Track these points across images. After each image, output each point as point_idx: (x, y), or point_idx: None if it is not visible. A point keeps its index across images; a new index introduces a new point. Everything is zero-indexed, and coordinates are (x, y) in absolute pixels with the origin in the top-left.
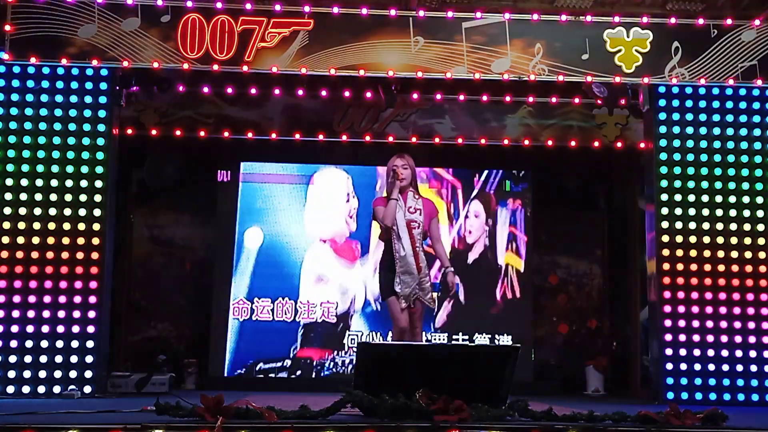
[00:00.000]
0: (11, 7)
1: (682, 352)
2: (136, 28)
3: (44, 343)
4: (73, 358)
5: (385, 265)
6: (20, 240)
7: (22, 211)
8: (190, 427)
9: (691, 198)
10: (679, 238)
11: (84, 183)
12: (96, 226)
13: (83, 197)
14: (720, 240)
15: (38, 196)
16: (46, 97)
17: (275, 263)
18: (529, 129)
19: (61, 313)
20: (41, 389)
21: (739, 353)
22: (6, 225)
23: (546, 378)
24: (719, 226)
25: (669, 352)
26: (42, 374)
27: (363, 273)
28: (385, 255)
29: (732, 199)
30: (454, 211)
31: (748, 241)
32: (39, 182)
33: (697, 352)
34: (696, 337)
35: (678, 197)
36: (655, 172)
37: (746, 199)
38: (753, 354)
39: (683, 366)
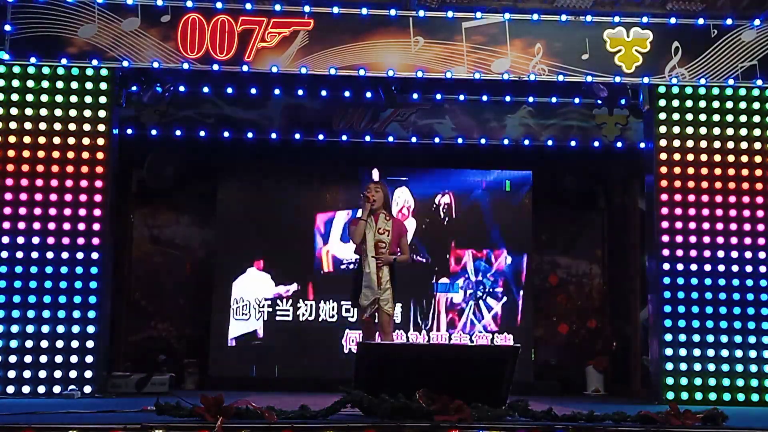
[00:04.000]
0: (11, 7)
1: (682, 352)
2: (136, 28)
3: (44, 343)
4: (73, 358)
5: (357, 278)
6: (20, 240)
7: (22, 211)
8: (190, 427)
9: (691, 198)
10: (679, 238)
11: (84, 183)
12: (96, 226)
13: (83, 197)
14: (720, 240)
15: (38, 196)
16: (46, 97)
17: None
18: (529, 129)
19: (61, 313)
20: (41, 389)
21: (739, 353)
22: (6, 225)
23: (546, 378)
24: (719, 226)
25: (669, 352)
26: (42, 374)
27: None
28: (357, 269)
29: (732, 199)
30: None
31: (748, 241)
32: (39, 182)
33: (697, 352)
34: (696, 337)
35: (678, 197)
36: (655, 172)
37: (746, 199)
38: (753, 354)
39: (683, 366)
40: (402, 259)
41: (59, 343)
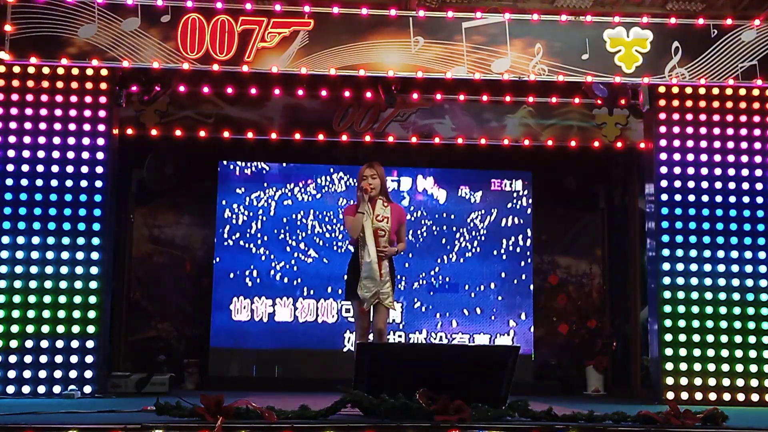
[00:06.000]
0: (11, 7)
1: (682, 352)
2: (136, 28)
3: (44, 343)
4: (73, 358)
5: (352, 268)
6: (20, 240)
7: (22, 211)
8: (190, 427)
9: (691, 198)
10: (679, 238)
11: (84, 183)
12: (96, 226)
13: (83, 197)
14: (720, 240)
15: (38, 196)
16: (46, 97)
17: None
18: (529, 129)
19: (62, 313)
20: (41, 389)
21: (739, 353)
22: (6, 225)
23: (546, 378)
24: (719, 226)
25: (669, 352)
26: (42, 374)
27: None
28: (353, 258)
29: (732, 199)
30: None
31: (748, 241)
32: (39, 182)
33: (697, 352)
34: (696, 337)
35: (678, 197)
36: (655, 172)
37: (746, 199)
38: (753, 354)
39: (683, 366)
40: (400, 249)
41: (59, 343)
